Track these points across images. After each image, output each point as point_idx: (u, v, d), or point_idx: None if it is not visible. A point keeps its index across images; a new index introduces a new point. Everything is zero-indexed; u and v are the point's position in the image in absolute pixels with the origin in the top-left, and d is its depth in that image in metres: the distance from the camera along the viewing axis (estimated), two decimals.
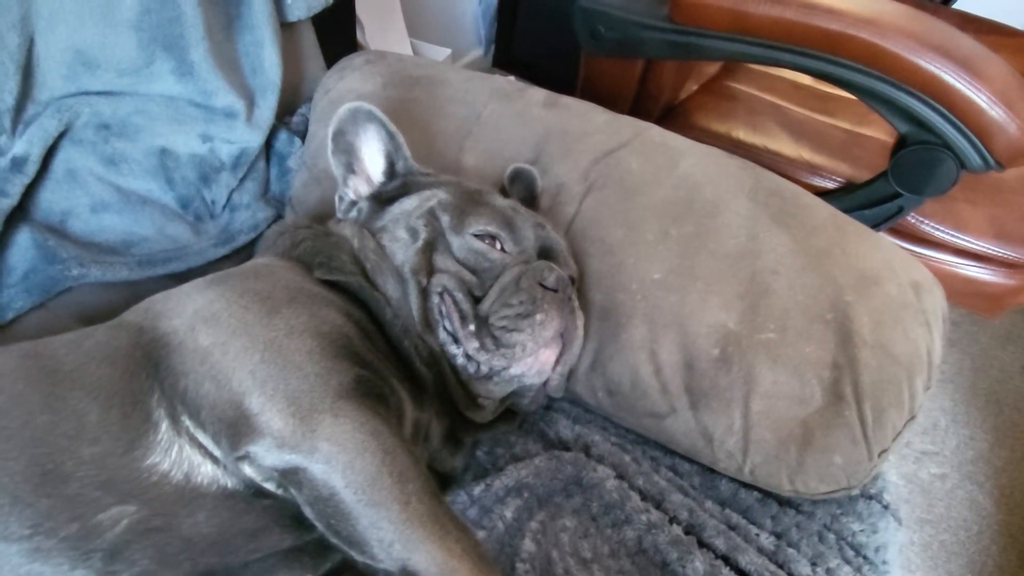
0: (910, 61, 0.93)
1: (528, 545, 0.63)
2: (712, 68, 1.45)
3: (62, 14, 0.73)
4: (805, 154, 1.20)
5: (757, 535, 0.67)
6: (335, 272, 0.62)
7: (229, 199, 0.86)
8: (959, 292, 1.18)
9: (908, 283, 0.74)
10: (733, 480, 0.72)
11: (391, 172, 0.73)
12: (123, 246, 0.77)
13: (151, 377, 0.52)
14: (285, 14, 0.93)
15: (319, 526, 0.50)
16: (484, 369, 0.63)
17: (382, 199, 0.72)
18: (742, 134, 1.24)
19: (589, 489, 0.68)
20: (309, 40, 1.00)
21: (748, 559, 0.64)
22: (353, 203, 0.73)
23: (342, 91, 0.91)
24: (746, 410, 0.68)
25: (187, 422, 0.51)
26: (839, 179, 1.17)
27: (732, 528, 0.67)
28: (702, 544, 0.65)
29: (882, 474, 0.74)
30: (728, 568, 0.63)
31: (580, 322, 0.68)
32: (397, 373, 0.59)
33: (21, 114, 0.73)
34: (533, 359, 0.64)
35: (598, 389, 0.75)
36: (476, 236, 0.66)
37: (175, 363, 0.52)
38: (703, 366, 0.70)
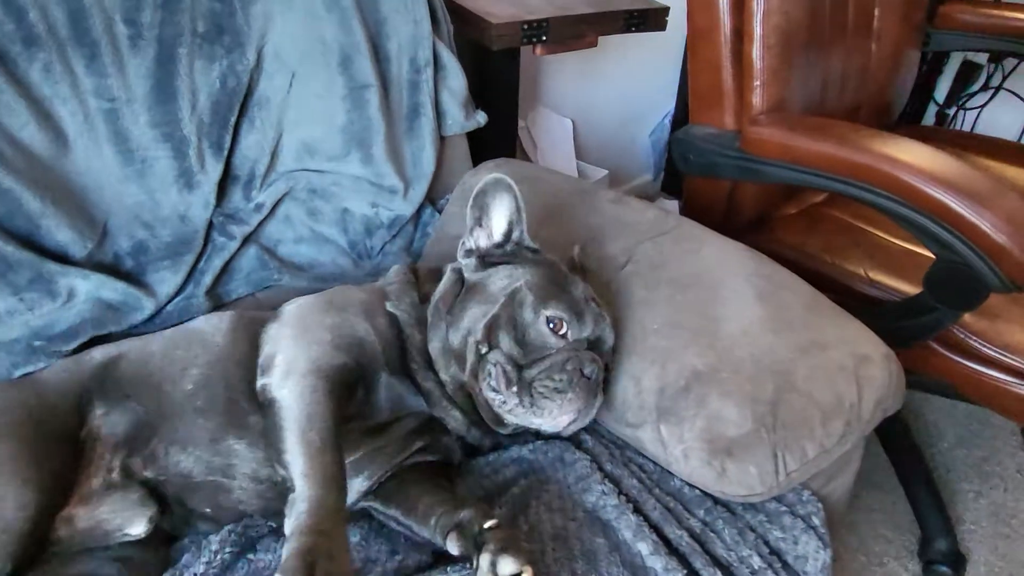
0: (923, 191, 1.10)
1: (515, 491, 0.89)
2: (817, 197, 1.65)
3: (300, 121, 1.18)
4: (868, 271, 1.36)
5: (688, 519, 0.87)
6: (392, 306, 0.90)
7: (383, 248, 1.25)
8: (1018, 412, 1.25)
9: (853, 353, 0.92)
10: (683, 481, 0.92)
11: (508, 236, 0.92)
12: (308, 266, 1.18)
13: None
14: (444, 130, 1.33)
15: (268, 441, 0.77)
16: (513, 415, 0.84)
17: (487, 262, 0.91)
18: (815, 247, 1.43)
19: (568, 465, 0.93)
20: (461, 149, 1.39)
21: (673, 532, 0.85)
22: (470, 251, 0.92)
23: (470, 182, 1.28)
24: (693, 426, 0.89)
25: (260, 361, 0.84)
26: (896, 294, 1.32)
27: (669, 510, 0.88)
28: (639, 512, 0.86)
29: (820, 509, 0.91)
30: (655, 535, 0.84)
31: (598, 401, 0.86)
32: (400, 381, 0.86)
33: (266, 178, 1.18)
34: (553, 419, 0.83)
35: (601, 405, 1.00)
36: (548, 319, 0.84)
37: (271, 329, 0.87)
38: (671, 392, 0.93)
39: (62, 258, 1.00)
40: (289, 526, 0.67)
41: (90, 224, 1.04)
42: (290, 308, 0.90)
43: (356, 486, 0.87)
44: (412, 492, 0.87)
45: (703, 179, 1.48)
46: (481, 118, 1.38)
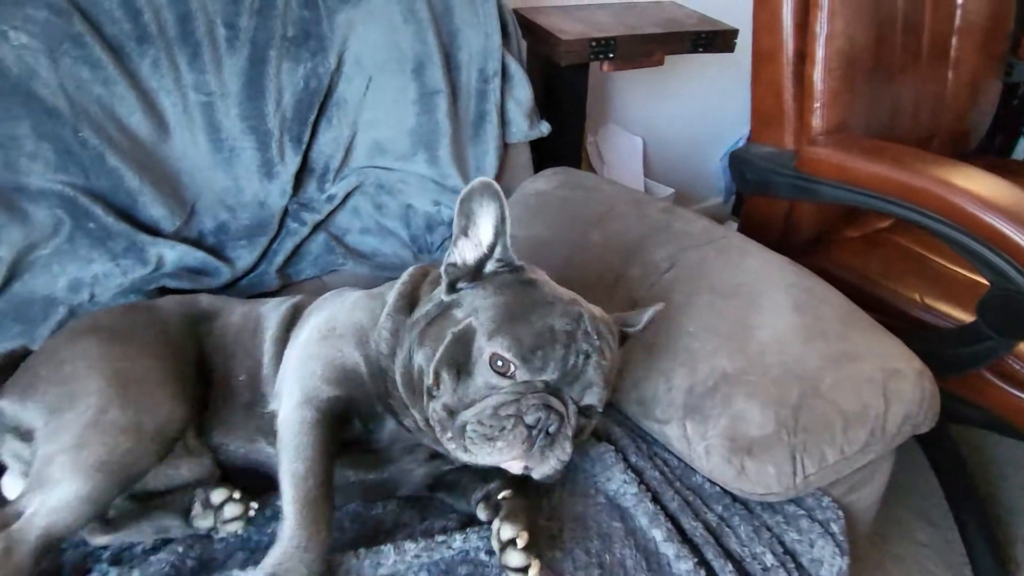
0: (977, 217, 1.10)
1: None
2: (882, 222, 1.64)
3: (373, 122, 1.28)
4: (924, 296, 1.35)
5: (706, 513, 0.90)
6: (374, 339, 0.82)
7: (442, 243, 1.33)
8: None
9: (884, 367, 0.93)
10: (704, 478, 0.95)
11: (492, 248, 0.79)
12: (371, 255, 1.27)
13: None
14: (508, 137, 1.41)
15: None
16: (460, 457, 0.75)
17: (456, 287, 0.80)
18: (872, 270, 1.43)
19: (594, 455, 0.97)
20: (524, 156, 1.46)
21: (688, 523, 0.88)
22: (452, 266, 0.80)
23: (529, 187, 1.35)
24: (717, 424, 0.92)
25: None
26: (951, 321, 1.30)
27: (687, 503, 0.91)
28: (657, 502, 0.90)
29: (840, 516, 0.92)
30: (671, 524, 0.87)
31: (555, 453, 0.74)
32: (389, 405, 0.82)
33: (339, 173, 1.28)
34: (494, 462, 0.74)
35: (633, 401, 1.04)
36: (492, 357, 0.73)
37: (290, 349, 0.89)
38: (699, 391, 0.96)
39: (154, 231, 1.12)
40: (266, 557, 0.70)
41: (181, 204, 1.15)
42: (302, 333, 0.88)
43: (404, 490, 0.90)
44: (452, 477, 0.93)
45: (761, 198, 1.51)
46: (544, 128, 1.45)
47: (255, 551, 0.82)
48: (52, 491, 0.69)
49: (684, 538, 0.87)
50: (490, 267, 0.79)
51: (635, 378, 1.03)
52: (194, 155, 1.16)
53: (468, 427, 0.72)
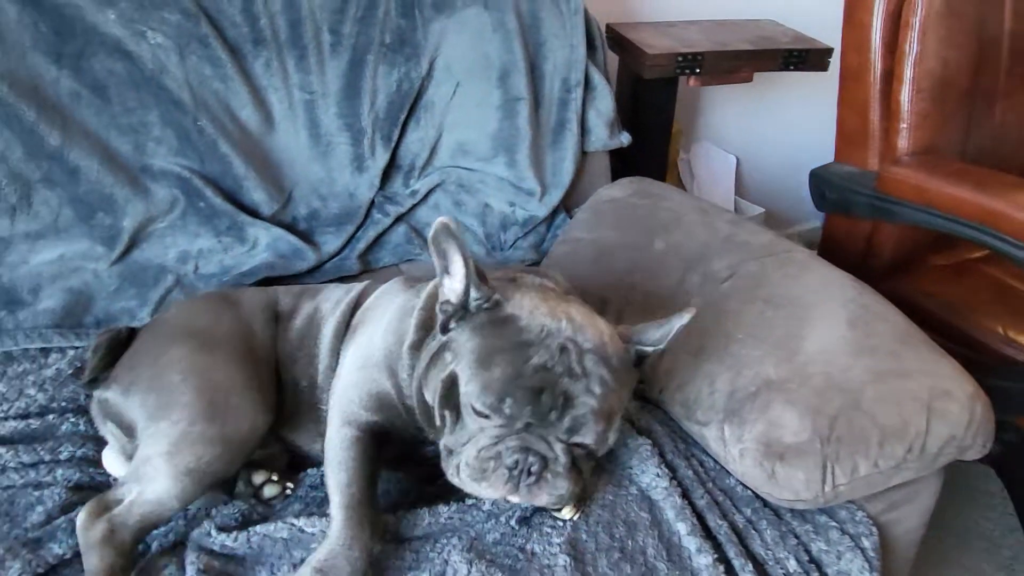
0: None
1: None
2: (975, 252, 1.57)
3: (458, 125, 1.37)
4: (1008, 330, 1.30)
5: (734, 514, 0.92)
6: (399, 367, 0.86)
7: (515, 242, 1.40)
8: None
9: (932, 387, 0.92)
10: (737, 481, 0.96)
11: (466, 288, 0.78)
12: None
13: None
14: (587, 145, 1.46)
15: None
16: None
17: (447, 327, 0.80)
18: (954, 299, 1.38)
19: (631, 448, 1.00)
20: (603, 164, 1.51)
21: (714, 521, 0.90)
22: (446, 302, 0.80)
23: (603, 194, 1.40)
24: (753, 429, 0.94)
25: None
26: None
27: (717, 503, 0.93)
28: (686, 498, 0.92)
29: (874, 533, 0.91)
30: (696, 519, 0.90)
31: (545, 490, 0.75)
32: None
33: (423, 170, 1.38)
34: (491, 497, 0.78)
35: (677, 402, 1.06)
36: (472, 406, 0.75)
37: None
38: (740, 396, 0.98)
39: (253, 213, 1.25)
40: (314, 553, 0.77)
41: (280, 190, 1.28)
42: (348, 354, 0.94)
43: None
44: None
45: (842, 219, 1.49)
46: (624, 139, 1.49)
47: (308, 505, 0.92)
48: (148, 486, 0.80)
49: (708, 535, 0.89)
50: (472, 304, 0.78)
51: (681, 380, 1.06)
52: (295, 147, 1.29)
53: (460, 467, 0.76)
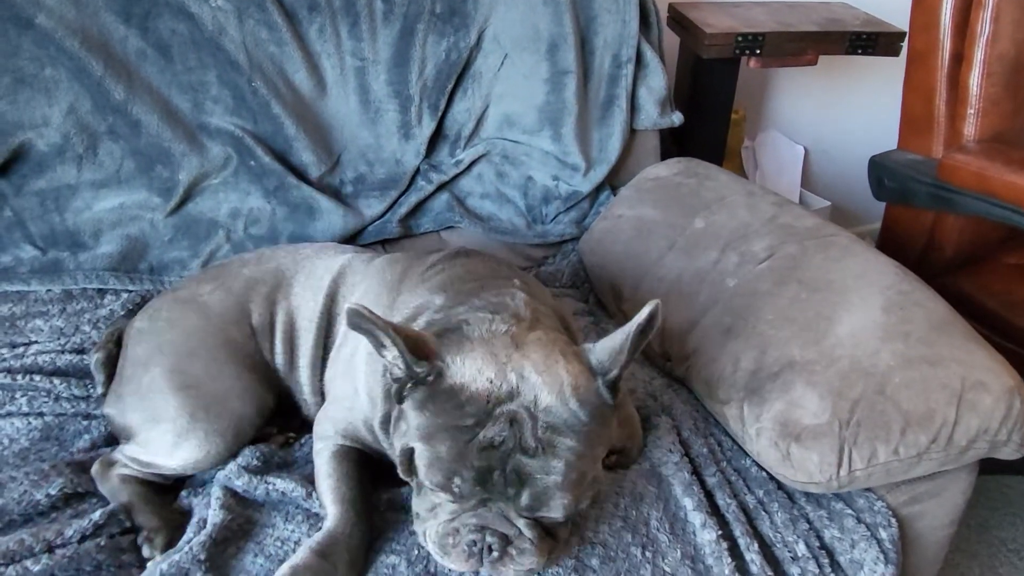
0: None
1: None
2: None
3: (505, 97, 1.37)
4: None
5: (745, 494, 0.90)
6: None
7: (556, 216, 1.40)
8: None
9: (966, 377, 0.87)
10: (753, 461, 0.94)
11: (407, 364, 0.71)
12: (487, 218, 1.37)
13: None
14: (636, 123, 1.45)
15: None
16: None
17: (403, 396, 0.74)
18: (1019, 298, 1.30)
19: (650, 427, 0.99)
20: (652, 143, 1.49)
21: (723, 499, 0.88)
22: (394, 375, 0.73)
23: (650, 172, 1.38)
24: (771, 408, 0.91)
25: None
26: None
27: (729, 483, 0.91)
28: (697, 475, 0.91)
29: (892, 524, 0.87)
30: (704, 496, 0.88)
31: (511, 566, 0.72)
32: None
33: (469, 140, 1.39)
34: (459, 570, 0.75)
35: (702, 379, 1.04)
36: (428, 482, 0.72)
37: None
38: (762, 375, 0.95)
39: (302, 175, 1.29)
40: (313, 538, 0.78)
41: (328, 153, 1.32)
42: (328, 378, 0.98)
43: None
44: None
45: (903, 210, 1.42)
46: (676, 118, 1.47)
47: None
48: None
49: (716, 512, 0.87)
50: (416, 375, 0.72)
51: (707, 358, 1.04)
52: (345, 112, 1.32)
53: (427, 535, 0.75)
